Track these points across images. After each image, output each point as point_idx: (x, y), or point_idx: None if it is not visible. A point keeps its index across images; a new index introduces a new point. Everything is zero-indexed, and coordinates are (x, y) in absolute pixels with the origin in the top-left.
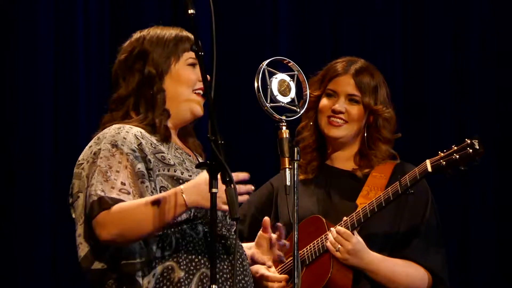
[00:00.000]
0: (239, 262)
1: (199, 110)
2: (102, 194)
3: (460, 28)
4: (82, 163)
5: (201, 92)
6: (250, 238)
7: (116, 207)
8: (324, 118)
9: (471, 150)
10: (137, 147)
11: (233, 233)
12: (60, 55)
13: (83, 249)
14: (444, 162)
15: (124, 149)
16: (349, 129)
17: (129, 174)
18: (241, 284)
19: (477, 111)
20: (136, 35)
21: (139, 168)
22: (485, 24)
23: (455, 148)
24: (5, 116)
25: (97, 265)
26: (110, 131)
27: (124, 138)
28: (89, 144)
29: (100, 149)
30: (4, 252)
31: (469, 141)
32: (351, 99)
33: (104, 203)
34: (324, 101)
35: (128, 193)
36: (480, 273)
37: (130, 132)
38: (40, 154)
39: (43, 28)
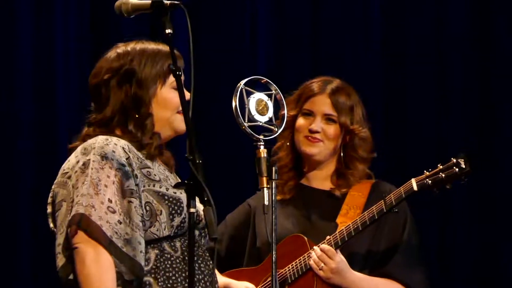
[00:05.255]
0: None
1: (183, 127)
2: (91, 210)
3: (443, 41)
4: (68, 172)
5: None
6: (227, 258)
7: (108, 261)
8: (301, 138)
9: (457, 169)
10: (125, 161)
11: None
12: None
13: (61, 258)
14: (430, 181)
15: (113, 163)
16: (325, 146)
17: (116, 190)
18: None
19: (459, 128)
20: (121, 49)
21: (127, 186)
22: (466, 38)
23: (441, 167)
24: None
25: (73, 275)
26: (98, 142)
27: (113, 151)
28: (75, 154)
29: (89, 160)
30: None
31: (455, 160)
32: (327, 118)
33: (92, 228)
34: (300, 121)
35: (114, 212)
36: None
37: (118, 145)
38: (18, 162)
39: (22, 47)
